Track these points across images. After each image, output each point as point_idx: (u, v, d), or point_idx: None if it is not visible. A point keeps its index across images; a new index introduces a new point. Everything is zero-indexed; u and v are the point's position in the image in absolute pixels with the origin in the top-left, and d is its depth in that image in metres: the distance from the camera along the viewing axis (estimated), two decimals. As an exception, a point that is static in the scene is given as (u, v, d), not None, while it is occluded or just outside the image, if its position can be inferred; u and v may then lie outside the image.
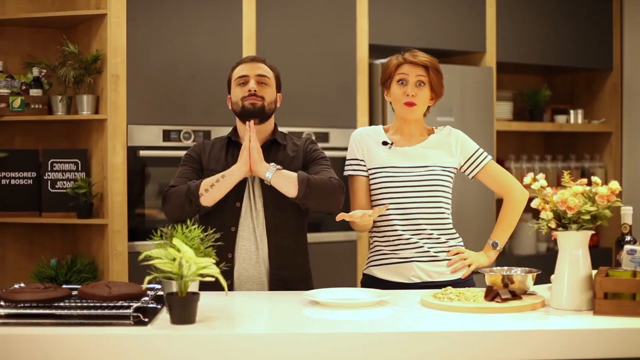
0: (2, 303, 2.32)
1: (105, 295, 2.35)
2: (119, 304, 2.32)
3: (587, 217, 2.30)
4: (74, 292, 2.46)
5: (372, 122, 4.75)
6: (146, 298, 2.35)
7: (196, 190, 2.85)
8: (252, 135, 2.86)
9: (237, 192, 2.91)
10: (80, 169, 4.19)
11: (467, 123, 4.95)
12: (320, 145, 4.64)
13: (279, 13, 4.52)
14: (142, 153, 4.14)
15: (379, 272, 3.00)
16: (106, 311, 2.25)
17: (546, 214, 2.35)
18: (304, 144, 3.05)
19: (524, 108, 5.80)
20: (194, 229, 2.41)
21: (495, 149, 5.20)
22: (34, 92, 4.18)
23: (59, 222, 4.18)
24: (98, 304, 2.33)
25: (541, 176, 2.41)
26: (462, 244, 3.03)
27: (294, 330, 2.25)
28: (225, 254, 2.86)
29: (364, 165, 3.03)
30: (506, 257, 5.32)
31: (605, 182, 6.01)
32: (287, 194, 2.85)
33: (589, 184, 2.39)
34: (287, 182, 2.83)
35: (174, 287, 2.24)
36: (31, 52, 4.37)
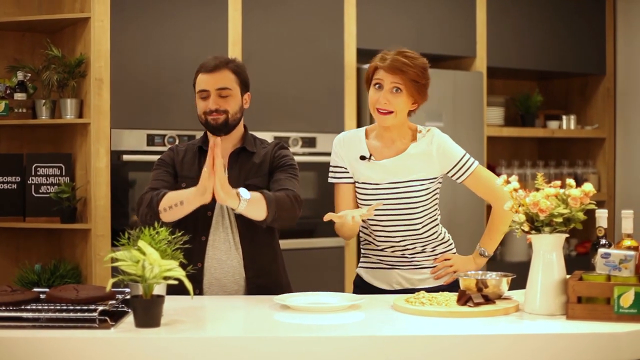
0: (-31, 306, 2.29)
1: (73, 298, 2.33)
2: (86, 307, 2.29)
3: (560, 219, 2.26)
4: (43, 296, 2.43)
5: (359, 127, 4.71)
6: (113, 301, 2.33)
7: (156, 206, 2.73)
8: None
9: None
10: (64, 173, 4.16)
11: (457, 128, 4.92)
12: (307, 150, 4.67)
13: (265, 16, 4.50)
14: (126, 157, 4.11)
15: (365, 275, 2.99)
16: (71, 314, 2.23)
17: (518, 217, 2.31)
18: (272, 149, 2.94)
19: (516, 113, 5.76)
20: (162, 231, 2.37)
21: (485, 155, 5.17)
22: (19, 96, 4.16)
23: (43, 226, 4.16)
24: (65, 307, 2.30)
25: (514, 178, 2.37)
26: (452, 248, 2.99)
27: (261, 334, 2.22)
28: (195, 264, 2.77)
29: (348, 173, 2.93)
30: (497, 264, 5.28)
31: (599, 188, 5.93)
32: (255, 219, 2.71)
33: (563, 186, 2.35)
34: (256, 209, 2.68)
35: (141, 290, 2.21)
36: (17, 56, 4.36)
